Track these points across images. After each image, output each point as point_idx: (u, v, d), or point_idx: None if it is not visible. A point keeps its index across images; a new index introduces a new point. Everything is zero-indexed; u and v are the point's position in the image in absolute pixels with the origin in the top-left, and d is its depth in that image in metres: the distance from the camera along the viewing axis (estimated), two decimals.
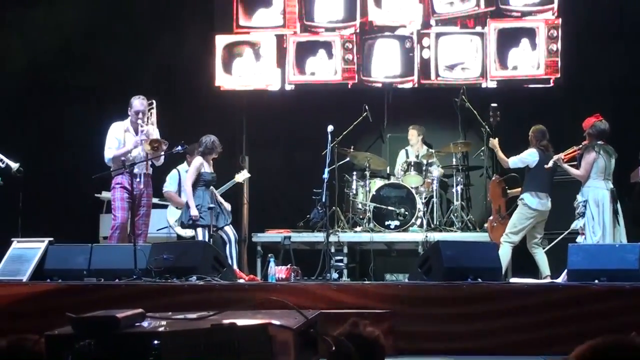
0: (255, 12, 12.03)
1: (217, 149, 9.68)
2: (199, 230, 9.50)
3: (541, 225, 9.57)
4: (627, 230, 9.14)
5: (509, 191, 10.17)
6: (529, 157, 9.51)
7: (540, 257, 9.50)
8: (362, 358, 3.23)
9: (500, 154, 9.87)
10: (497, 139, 9.94)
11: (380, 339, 3.34)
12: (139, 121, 9.07)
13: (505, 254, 9.21)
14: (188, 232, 10.03)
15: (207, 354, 3.60)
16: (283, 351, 3.86)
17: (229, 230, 9.70)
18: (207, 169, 9.64)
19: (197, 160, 9.59)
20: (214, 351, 3.62)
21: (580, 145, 9.10)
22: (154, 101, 9.22)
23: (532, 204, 9.38)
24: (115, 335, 3.67)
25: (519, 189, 9.84)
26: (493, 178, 10.40)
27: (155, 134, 9.15)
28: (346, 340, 3.28)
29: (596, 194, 8.88)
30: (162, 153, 9.12)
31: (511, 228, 9.47)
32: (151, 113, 9.22)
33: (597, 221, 8.83)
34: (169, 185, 10.58)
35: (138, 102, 9.08)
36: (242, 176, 10.81)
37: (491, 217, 10.24)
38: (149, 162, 9.12)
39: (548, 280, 9.02)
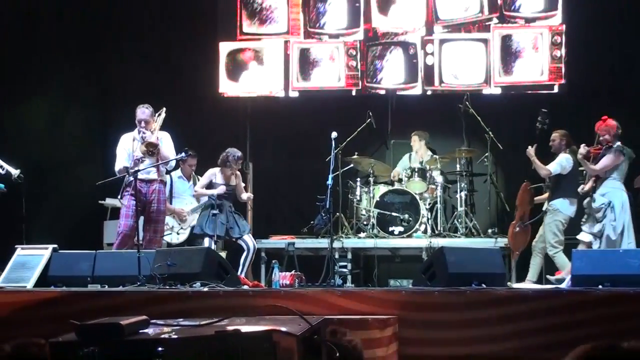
0: (259, 18, 12.03)
1: (232, 165, 9.78)
2: (206, 239, 9.67)
3: None
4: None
5: (535, 198, 9.95)
6: (567, 162, 9.40)
7: (538, 262, 9.49)
8: None
9: (538, 163, 9.48)
10: (534, 146, 9.53)
11: (359, 347, 3.36)
12: (142, 129, 9.07)
13: (563, 261, 9.17)
14: (174, 240, 10.12)
15: None
16: (287, 358, 3.86)
17: (248, 239, 9.76)
18: (220, 180, 9.73)
19: (213, 169, 9.76)
20: (218, 358, 3.63)
21: (604, 145, 8.99)
22: (164, 109, 9.19)
23: (568, 211, 9.37)
24: (119, 342, 3.66)
25: (545, 196, 9.71)
26: (524, 183, 9.98)
27: (153, 140, 9.09)
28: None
29: (621, 196, 8.85)
30: (172, 158, 9.15)
31: (553, 238, 9.36)
32: (155, 120, 9.19)
33: (620, 225, 8.78)
34: None
35: (139, 111, 9.12)
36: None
37: (513, 222, 9.97)
38: (161, 168, 9.13)
39: (530, 284, 9.03)
